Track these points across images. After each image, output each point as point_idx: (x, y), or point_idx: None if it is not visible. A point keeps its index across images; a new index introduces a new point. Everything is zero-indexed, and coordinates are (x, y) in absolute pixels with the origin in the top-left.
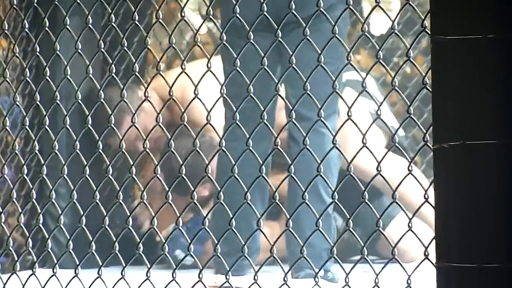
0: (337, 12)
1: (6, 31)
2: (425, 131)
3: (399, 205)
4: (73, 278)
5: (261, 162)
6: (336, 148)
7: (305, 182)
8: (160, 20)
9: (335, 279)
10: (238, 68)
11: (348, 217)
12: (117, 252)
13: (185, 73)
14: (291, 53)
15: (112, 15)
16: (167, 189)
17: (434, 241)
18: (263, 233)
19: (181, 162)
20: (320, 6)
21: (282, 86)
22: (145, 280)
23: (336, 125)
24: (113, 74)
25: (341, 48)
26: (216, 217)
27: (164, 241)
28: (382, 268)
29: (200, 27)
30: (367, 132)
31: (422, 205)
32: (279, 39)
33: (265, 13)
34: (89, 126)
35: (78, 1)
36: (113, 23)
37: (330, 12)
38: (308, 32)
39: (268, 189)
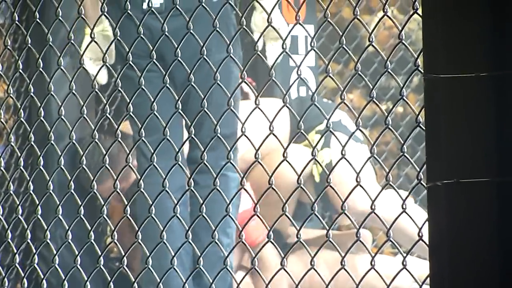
0: (215, 55)
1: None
2: (418, 170)
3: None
4: None
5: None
6: (242, 190)
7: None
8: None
9: None
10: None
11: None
12: None
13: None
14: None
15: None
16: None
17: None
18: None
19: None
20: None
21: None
22: None
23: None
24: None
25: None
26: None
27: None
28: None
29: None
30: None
31: (417, 241)
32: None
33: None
34: (84, 166)
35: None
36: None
37: (209, 55)
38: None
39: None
